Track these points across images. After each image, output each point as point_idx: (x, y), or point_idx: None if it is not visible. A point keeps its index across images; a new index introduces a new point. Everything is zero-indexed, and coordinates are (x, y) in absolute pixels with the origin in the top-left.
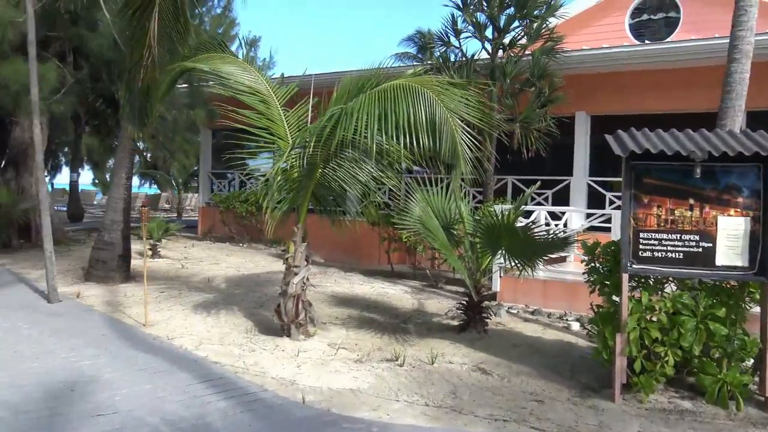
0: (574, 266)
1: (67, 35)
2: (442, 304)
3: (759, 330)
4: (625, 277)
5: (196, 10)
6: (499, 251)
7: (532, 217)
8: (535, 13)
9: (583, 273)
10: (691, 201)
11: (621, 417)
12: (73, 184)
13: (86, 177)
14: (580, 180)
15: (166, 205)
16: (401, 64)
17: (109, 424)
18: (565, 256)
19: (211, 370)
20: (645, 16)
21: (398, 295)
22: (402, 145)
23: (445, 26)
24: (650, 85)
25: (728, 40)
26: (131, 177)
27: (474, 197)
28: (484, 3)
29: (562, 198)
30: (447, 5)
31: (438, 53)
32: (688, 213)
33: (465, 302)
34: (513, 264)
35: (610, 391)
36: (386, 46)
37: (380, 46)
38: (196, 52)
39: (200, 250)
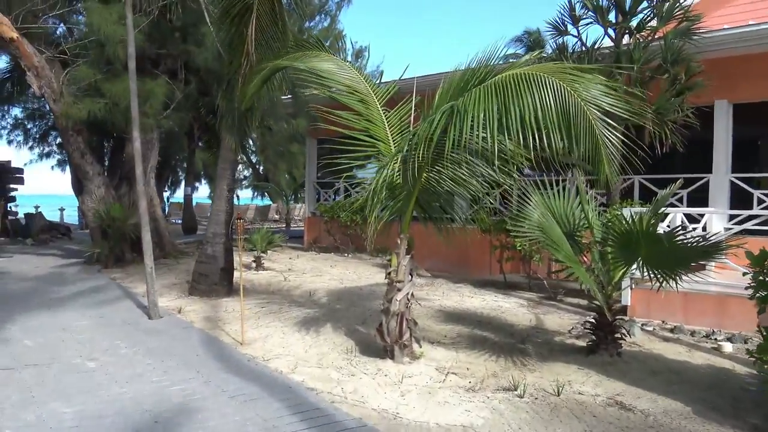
0: (716, 275)
1: (177, 52)
2: (563, 320)
3: None
4: None
5: (305, 25)
6: (636, 261)
7: (667, 221)
8: None
9: (747, 287)
10: None
11: None
12: (187, 197)
13: (204, 191)
14: (721, 177)
15: (276, 216)
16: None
17: None
18: (704, 264)
19: (306, 399)
20: None
21: (513, 309)
22: (530, 144)
23: (561, 14)
24: None
25: None
26: (233, 189)
27: (595, 199)
28: None
29: (699, 198)
30: None
31: (554, 45)
32: None
33: (594, 320)
34: (652, 275)
35: None
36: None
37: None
38: (291, 52)
39: (304, 261)
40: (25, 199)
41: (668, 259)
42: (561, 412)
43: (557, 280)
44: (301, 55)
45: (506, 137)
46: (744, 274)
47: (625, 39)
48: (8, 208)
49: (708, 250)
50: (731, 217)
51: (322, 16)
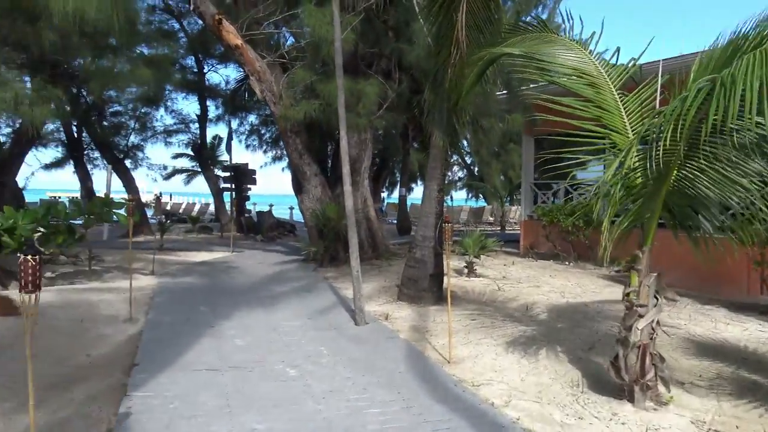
0: None
1: (389, 51)
2: None
3: None
4: None
5: (533, 12)
6: None
7: None
8: None
9: None
10: None
11: None
12: (402, 198)
13: (419, 192)
14: None
15: (490, 218)
16: None
17: None
18: None
19: None
20: None
21: None
22: None
23: None
24: None
25: None
26: (443, 189)
27: None
28: None
29: None
30: None
31: None
32: None
33: None
34: None
35: None
36: None
37: None
38: (507, 38)
39: (520, 268)
40: (260, 199)
41: None
42: None
43: None
44: (519, 39)
45: None
46: None
47: None
48: (243, 207)
49: None
50: None
51: (539, 9)
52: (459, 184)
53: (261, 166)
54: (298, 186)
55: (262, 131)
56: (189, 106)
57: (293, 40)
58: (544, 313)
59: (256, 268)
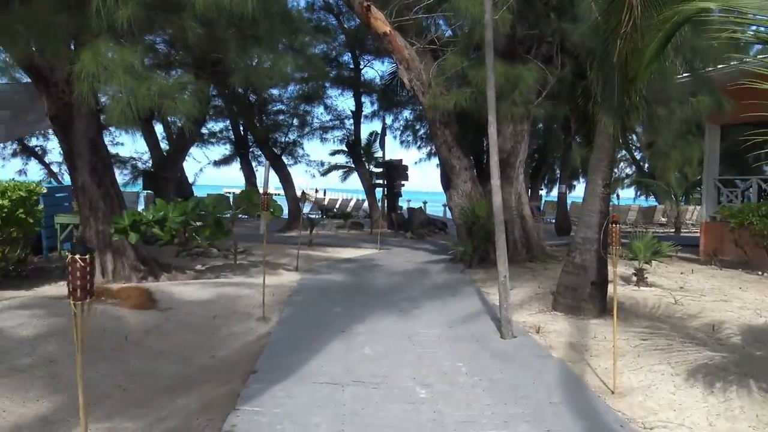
0: None
1: (550, 32)
2: None
3: None
4: None
5: None
6: None
7: None
8: None
9: None
10: None
11: None
12: (561, 195)
13: (581, 189)
14: None
15: (662, 219)
16: None
17: None
18: None
19: None
20: None
21: None
22: None
23: None
24: None
25: None
26: (609, 185)
27: None
28: None
29: None
30: None
31: None
32: None
33: None
34: None
35: None
36: None
37: None
38: None
39: (701, 278)
40: (415, 196)
41: None
42: None
43: None
44: None
45: None
46: None
47: None
48: (395, 203)
49: None
50: None
51: None
52: (627, 181)
53: (415, 163)
54: (447, 181)
55: (417, 126)
56: (344, 102)
57: (445, 25)
58: (737, 335)
59: (402, 267)
